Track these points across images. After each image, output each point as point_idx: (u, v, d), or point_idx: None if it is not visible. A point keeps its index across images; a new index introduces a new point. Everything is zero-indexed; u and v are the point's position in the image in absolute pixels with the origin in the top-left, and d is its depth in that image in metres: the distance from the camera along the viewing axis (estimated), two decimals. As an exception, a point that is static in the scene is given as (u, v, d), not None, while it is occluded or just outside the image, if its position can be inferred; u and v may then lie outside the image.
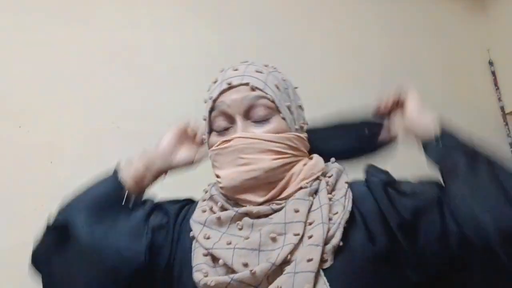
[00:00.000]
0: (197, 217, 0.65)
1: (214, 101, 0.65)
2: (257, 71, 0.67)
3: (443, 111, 2.19)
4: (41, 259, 0.66)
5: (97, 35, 1.49)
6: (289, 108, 0.66)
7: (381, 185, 0.63)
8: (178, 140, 0.75)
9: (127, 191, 0.69)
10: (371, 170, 0.68)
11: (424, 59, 2.05)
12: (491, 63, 2.20)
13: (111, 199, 0.68)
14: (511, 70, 2.13)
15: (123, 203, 0.68)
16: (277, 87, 0.66)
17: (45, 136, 1.34)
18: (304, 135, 0.69)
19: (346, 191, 0.63)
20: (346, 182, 0.65)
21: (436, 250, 0.57)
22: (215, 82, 0.68)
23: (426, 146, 0.68)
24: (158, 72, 1.54)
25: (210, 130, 0.67)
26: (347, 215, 0.59)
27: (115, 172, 0.72)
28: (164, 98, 1.51)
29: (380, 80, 1.93)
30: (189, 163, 0.75)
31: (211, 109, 0.66)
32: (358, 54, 1.92)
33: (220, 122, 0.65)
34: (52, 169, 1.31)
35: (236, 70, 0.67)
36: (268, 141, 0.62)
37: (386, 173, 0.67)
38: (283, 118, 0.64)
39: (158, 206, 0.71)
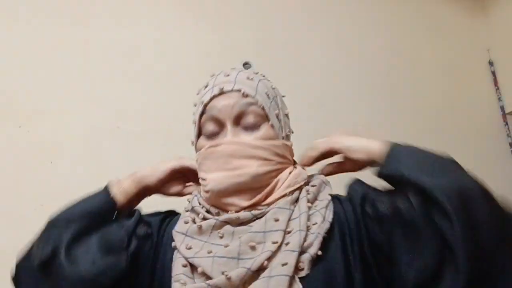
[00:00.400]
0: (179, 228, 0.65)
1: (205, 105, 0.65)
2: (248, 78, 0.67)
3: (443, 111, 2.20)
4: (23, 274, 0.66)
5: (97, 35, 1.49)
6: (277, 116, 0.67)
7: (360, 200, 0.62)
8: (175, 174, 0.74)
9: (116, 206, 0.70)
10: (353, 184, 0.67)
11: (424, 59, 2.06)
12: (491, 63, 2.20)
13: (101, 213, 0.68)
14: (511, 70, 2.13)
15: (113, 218, 0.69)
16: (267, 95, 0.67)
17: (45, 136, 1.34)
18: (290, 143, 0.70)
19: (328, 202, 0.63)
20: (330, 194, 0.65)
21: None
22: (206, 86, 0.68)
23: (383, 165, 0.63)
24: (158, 72, 1.54)
25: (199, 133, 0.68)
26: (327, 226, 0.59)
27: (106, 188, 0.71)
28: (164, 98, 1.51)
29: (380, 80, 1.93)
30: (177, 195, 0.75)
31: (202, 113, 0.66)
32: (358, 54, 1.92)
33: (210, 127, 0.65)
34: (52, 169, 1.31)
35: (227, 76, 0.67)
36: (256, 147, 0.62)
37: (368, 186, 0.65)
38: (272, 126, 0.65)
39: (142, 219, 0.72)
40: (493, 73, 2.19)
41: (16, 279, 0.67)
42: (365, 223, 0.60)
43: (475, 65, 2.19)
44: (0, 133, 1.30)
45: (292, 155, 0.70)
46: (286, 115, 0.72)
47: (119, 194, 0.70)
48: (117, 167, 1.36)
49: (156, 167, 0.73)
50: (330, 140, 0.68)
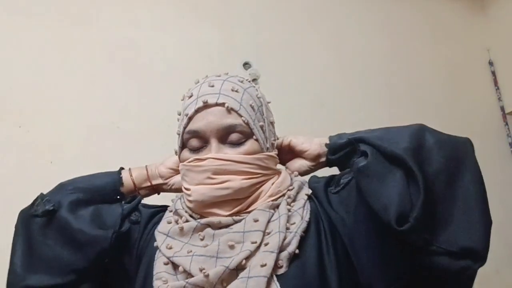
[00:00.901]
0: (162, 228, 0.67)
1: (190, 118, 0.66)
2: (232, 90, 0.67)
3: (443, 111, 2.20)
4: (25, 215, 0.72)
5: (97, 35, 1.49)
6: (262, 127, 0.68)
7: (323, 189, 0.67)
8: (176, 168, 0.76)
9: (122, 189, 0.75)
10: (312, 180, 0.72)
11: (424, 59, 2.06)
12: (491, 63, 2.20)
13: (105, 191, 0.74)
14: (511, 70, 2.13)
15: (117, 198, 0.74)
16: (252, 107, 0.67)
17: (45, 136, 1.34)
18: (274, 153, 0.71)
19: (305, 202, 0.66)
20: (306, 194, 0.68)
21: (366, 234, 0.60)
22: (190, 96, 0.68)
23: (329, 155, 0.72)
24: (158, 72, 1.54)
25: (183, 145, 0.68)
26: (304, 225, 0.62)
27: (118, 171, 0.77)
28: (164, 98, 1.51)
29: (380, 80, 1.93)
30: (180, 189, 0.76)
31: (185, 126, 0.66)
32: (358, 54, 1.92)
33: (194, 143, 0.66)
34: (52, 169, 1.31)
35: (212, 86, 0.67)
36: (240, 162, 0.63)
37: (328, 177, 0.71)
38: (256, 140, 0.66)
39: (137, 207, 0.75)
40: (493, 73, 2.19)
41: (17, 225, 0.73)
42: (332, 205, 0.65)
43: (475, 65, 2.19)
44: (0, 133, 1.30)
45: (276, 163, 0.72)
46: (272, 123, 0.73)
47: (128, 179, 0.75)
48: (117, 167, 1.36)
49: (165, 160, 0.78)
50: (285, 139, 0.75)
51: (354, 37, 1.94)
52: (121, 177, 0.75)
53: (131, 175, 0.76)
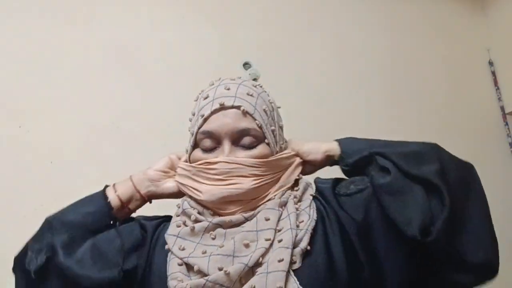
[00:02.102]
0: (171, 231, 0.67)
1: (205, 119, 0.67)
2: (248, 94, 0.69)
3: (443, 111, 2.20)
4: (21, 266, 0.67)
5: (97, 35, 1.49)
6: (273, 132, 0.70)
7: (331, 191, 0.70)
8: (167, 170, 0.75)
9: (113, 211, 0.71)
10: (318, 181, 0.74)
11: (424, 59, 2.06)
12: (491, 63, 2.20)
13: (96, 220, 0.69)
14: (511, 70, 2.13)
15: (110, 223, 0.70)
16: (265, 112, 0.70)
17: (45, 136, 1.34)
18: (287, 153, 0.74)
19: (311, 202, 0.68)
20: (311, 195, 0.70)
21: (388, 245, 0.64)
22: (205, 98, 0.70)
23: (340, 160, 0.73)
24: (158, 72, 1.54)
25: (195, 144, 0.69)
26: (313, 223, 0.64)
27: (102, 192, 0.72)
28: (164, 98, 1.51)
29: (380, 80, 1.93)
30: (174, 194, 0.74)
31: (200, 126, 0.67)
32: (358, 54, 1.92)
33: (207, 143, 0.67)
34: (52, 169, 1.31)
35: (228, 89, 0.69)
36: (250, 166, 0.65)
37: (334, 179, 0.73)
38: (268, 144, 0.68)
39: (137, 222, 0.73)
40: (493, 73, 2.19)
41: (14, 271, 0.70)
42: (342, 206, 0.67)
43: (475, 65, 2.19)
44: (0, 133, 1.30)
45: (285, 165, 0.74)
46: (281, 127, 0.75)
47: (115, 198, 0.71)
48: (117, 167, 1.36)
49: (148, 168, 0.75)
50: (289, 147, 0.75)
51: (354, 37, 1.94)
52: (109, 202, 0.70)
53: (116, 192, 0.72)
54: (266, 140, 0.68)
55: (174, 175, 0.74)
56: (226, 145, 0.66)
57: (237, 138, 0.66)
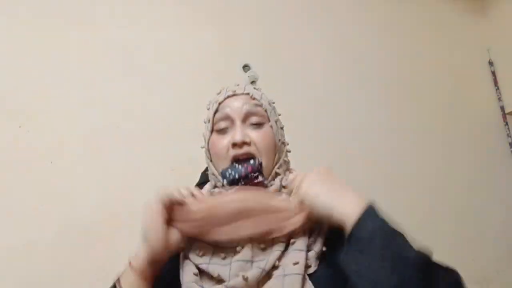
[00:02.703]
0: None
1: (219, 103, 0.75)
2: (254, 88, 0.79)
3: (443, 111, 2.20)
4: None
5: (97, 36, 1.49)
6: (276, 122, 0.77)
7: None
8: (165, 219, 0.63)
9: None
10: None
11: (424, 59, 2.06)
12: (491, 63, 2.20)
13: None
14: (511, 70, 2.13)
15: None
16: (269, 104, 0.78)
17: (45, 136, 1.34)
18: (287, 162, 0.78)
19: None
20: None
21: None
22: (218, 93, 0.79)
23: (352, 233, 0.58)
24: (158, 72, 1.54)
25: (212, 129, 0.76)
26: (326, 227, 0.65)
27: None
28: (164, 98, 1.51)
29: (380, 80, 1.93)
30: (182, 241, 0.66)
31: (216, 111, 0.75)
32: (358, 54, 1.92)
33: (222, 124, 0.74)
34: (52, 169, 1.31)
35: (237, 85, 0.79)
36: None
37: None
38: (271, 127, 0.75)
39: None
40: (493, 73, 2.19)
41: None
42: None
43: (475, 65, 2.19)
44: (0, 133, 1.30)
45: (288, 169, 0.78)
46: (282, 128, 0.80)
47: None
48: (117, 167, 1.37)
49: (145, 233, 0.63)
50: (300, 192, 0.64)
51: (354, 37, 1.94)
52: None
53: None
54: (270, 123, 0.75)
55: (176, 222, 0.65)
56: (238, 123, 0.73)
57: (246, 118, 0.74)
